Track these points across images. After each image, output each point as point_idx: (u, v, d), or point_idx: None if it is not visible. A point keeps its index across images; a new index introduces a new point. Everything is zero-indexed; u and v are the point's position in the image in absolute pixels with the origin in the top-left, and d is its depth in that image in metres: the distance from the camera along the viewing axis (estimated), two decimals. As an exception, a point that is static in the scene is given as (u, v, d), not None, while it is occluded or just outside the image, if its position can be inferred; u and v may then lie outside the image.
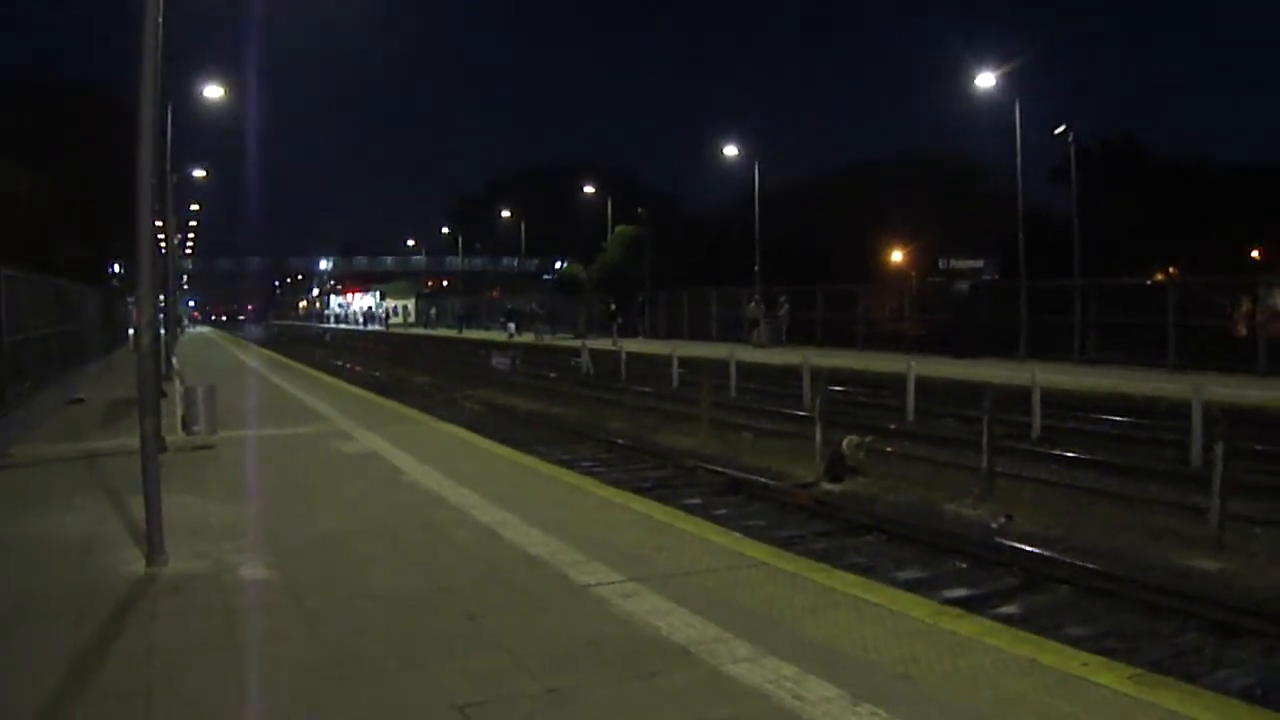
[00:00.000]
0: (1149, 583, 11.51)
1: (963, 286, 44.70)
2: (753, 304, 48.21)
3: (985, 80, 41.21)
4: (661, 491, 17.02)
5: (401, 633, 6.89)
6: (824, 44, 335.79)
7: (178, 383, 18.48)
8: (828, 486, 17.74)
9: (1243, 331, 30.97)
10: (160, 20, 9.18)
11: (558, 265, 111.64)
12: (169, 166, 32.31)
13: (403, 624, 7.09)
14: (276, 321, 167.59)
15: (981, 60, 42.23)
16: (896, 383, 26.11)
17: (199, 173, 53.22)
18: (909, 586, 10.43)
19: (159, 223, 27.98)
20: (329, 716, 5.54)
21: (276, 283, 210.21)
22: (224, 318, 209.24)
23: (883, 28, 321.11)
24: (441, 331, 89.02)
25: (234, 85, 40.04)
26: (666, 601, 7.39)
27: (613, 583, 7.92)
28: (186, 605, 7.59)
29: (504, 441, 18.21)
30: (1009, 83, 41.27)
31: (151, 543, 8.69)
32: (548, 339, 59.87)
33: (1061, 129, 41.48)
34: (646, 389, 33.74)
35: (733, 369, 32.14)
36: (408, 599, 7.69)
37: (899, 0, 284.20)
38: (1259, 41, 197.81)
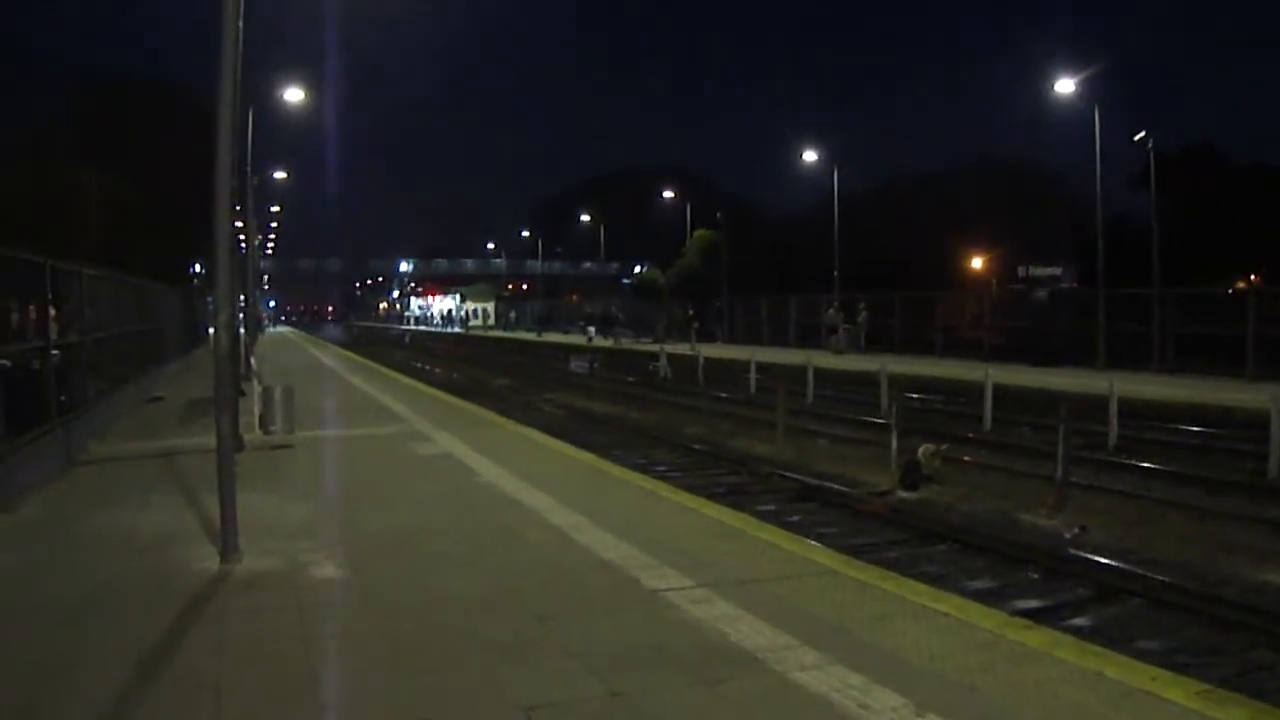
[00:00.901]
0: (1222, 596, 11.37)
1: (1041, 294, 44.45)
2: (831, 310, 48.10)
3: (1065, 86, 40.70)
4: (735, 498, 16.99)
5: (471, 633, 6.94)
6: (897, 52, 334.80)
7: (256, 383, 18.69)
8: (903, 495, 17.59)
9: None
10: (240, 23, 9.32)
11: (636, 269, 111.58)
12: (250, 168, 32.66)
13: (472, 624, 7.14)
14: (357, 323, 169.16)
15: (1057, 67, 41.80)
16: (973, 390, 25.94)
17: (280, 174, 53.79)
18: (980, 597, 10.35)
19: (239, 223, 28.31)
20: (396, 714, 5.60)
21: (357, 284, 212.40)
22: (295, 318, 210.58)
23: (956, 36, 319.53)
24: (520, 334, 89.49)
25: (316, 88, 40.47)
26: (736, 608, 7.39)
27: (683, 588, 7.94)
28: (258, 602, 7.71)
29: (580, 445, 18.24)
30: (1087, 89, 40.76)
31: (225, 540, 8.85)
32: (626, 343, 59.94)
33: (1141, 135, 40.77)
34: (724, 394, 33.68)
35: (810, 375, 31.90)
36: (478, 600, 7.75)
37: (973, 8, 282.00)
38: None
